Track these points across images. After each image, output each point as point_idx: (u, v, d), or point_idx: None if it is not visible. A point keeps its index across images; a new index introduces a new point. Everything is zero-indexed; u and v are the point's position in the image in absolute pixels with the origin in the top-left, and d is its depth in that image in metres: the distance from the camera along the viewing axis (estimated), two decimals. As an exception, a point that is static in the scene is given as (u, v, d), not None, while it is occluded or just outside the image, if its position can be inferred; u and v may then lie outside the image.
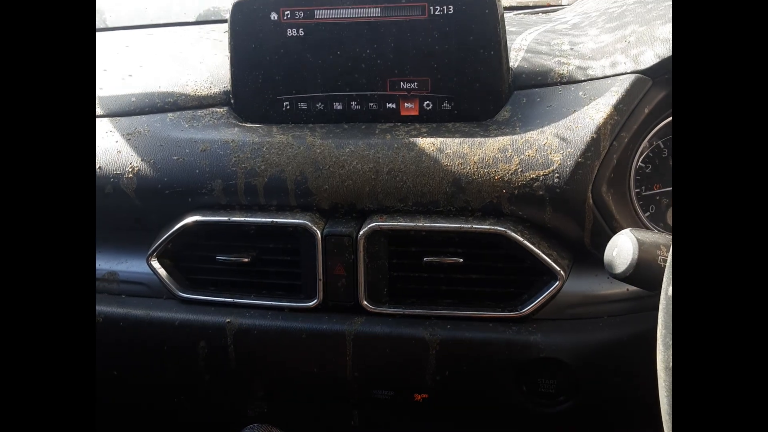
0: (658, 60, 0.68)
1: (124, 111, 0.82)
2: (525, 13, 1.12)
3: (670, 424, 0.40)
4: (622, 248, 0.53)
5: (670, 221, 0.73)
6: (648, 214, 0.73)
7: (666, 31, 0.69)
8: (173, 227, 0.76)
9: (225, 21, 1.12)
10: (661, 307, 0.40)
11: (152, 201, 0.77)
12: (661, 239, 0.52)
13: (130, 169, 0.77)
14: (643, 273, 0.51)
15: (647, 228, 0.73)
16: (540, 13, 1.10)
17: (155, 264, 0.78)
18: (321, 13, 0.75)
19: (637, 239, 0.52)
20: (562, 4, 1.18)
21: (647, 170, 0.72)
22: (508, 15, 1.11)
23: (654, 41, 0.69)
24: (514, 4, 1.23)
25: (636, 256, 0.51)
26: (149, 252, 0.78)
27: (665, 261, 0.51)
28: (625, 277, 0.52)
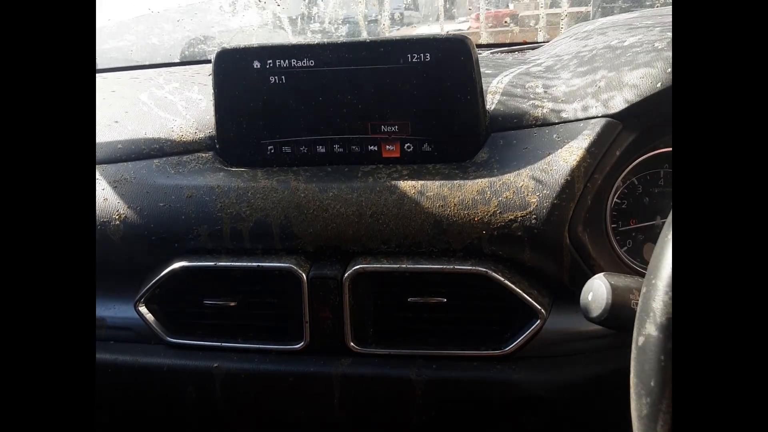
0: (626, 105, 0.71)
1: (111, 158, 0.83)
2: (501, 52, 1.15)
3: None
4: (597, 292, 0.54)
5: (646, 255, 0.76)
6: (625, 248, 0.75)
7: (634, 76, 0.72)
8: (160, 273, 0.77)
9: (209, 62, 1.14)
10: (632, 356, 0.42)
11: (139, 247, 0.78)
12: (634, 283, 0.54)
13: (117, 217, 0.78)
14: (617, 317, 0.53)
15: (625, 263, 0.75)
16: (516, 53, 1.13)
17: (143, 309, 0.78)
18: (302, 62, 0.77)
19: (611, 284, 0.53)
20: (538, 41, 1.22)
21: (623, 206, 0.75)
22: (483, 54, 1.15)
23: (623, 87, 0.72)
24: (491, 41, 1.27)
25: (610, 300, 0.53)
26: (137, 298, 0.78)
27: (637, 305, 0.52)
28: (600, 321, 0.54)
